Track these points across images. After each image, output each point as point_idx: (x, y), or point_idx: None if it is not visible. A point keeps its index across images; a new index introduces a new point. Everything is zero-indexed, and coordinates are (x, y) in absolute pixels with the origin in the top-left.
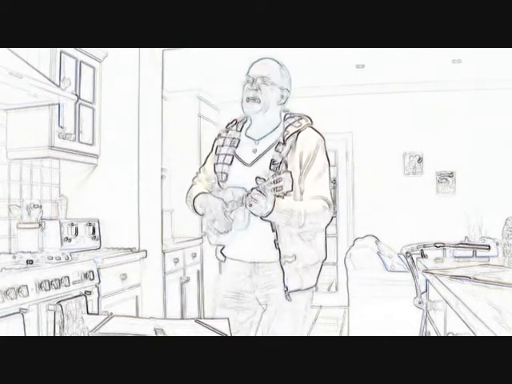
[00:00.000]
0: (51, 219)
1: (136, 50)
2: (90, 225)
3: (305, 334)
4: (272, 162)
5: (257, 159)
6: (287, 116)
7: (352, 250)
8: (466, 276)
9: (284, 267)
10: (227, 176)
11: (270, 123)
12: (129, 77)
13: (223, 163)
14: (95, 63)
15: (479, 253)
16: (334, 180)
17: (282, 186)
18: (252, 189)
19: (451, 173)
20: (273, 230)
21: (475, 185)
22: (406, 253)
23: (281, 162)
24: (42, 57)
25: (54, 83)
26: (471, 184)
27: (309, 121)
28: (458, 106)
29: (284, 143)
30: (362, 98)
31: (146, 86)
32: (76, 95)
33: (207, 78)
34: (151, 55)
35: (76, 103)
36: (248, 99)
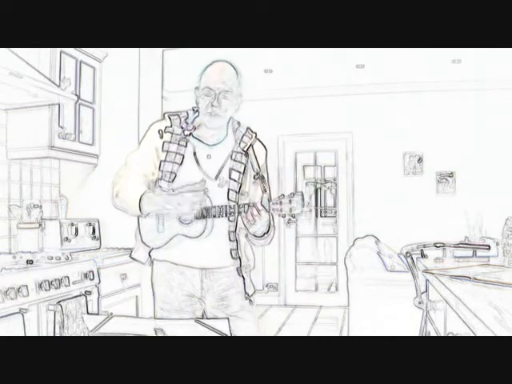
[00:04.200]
0: (51, 219)
1: (136, 50)
2: (90, 225)
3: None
4: (231, 170)
5: (219, 171)
6: (237, 125)
7: (352, 249)
8: (466, 276)
9: (245, 275)
10: (176, 176)
11: (222, 129)
12: (129, 77)
13: (173, 162)
14: (95, 63)
15: (479, 253)
16: (334, 179)
17: (294, 208)
18: (250, 204)
19: (451, 173)
20: (231, 240)
21: (475, 185)
22: (406, 253)
23: (243, 172)
24: (41, 57)
25: (54, 83)
26: (471, 184)
27: (254, 132)
28: (458, 106)
29: (245, 153)
30: (361, 98)
31: (146, 86)
32: (76, 95)
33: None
34: (151, 55)
35: (76, 103)
36: (211, 114)
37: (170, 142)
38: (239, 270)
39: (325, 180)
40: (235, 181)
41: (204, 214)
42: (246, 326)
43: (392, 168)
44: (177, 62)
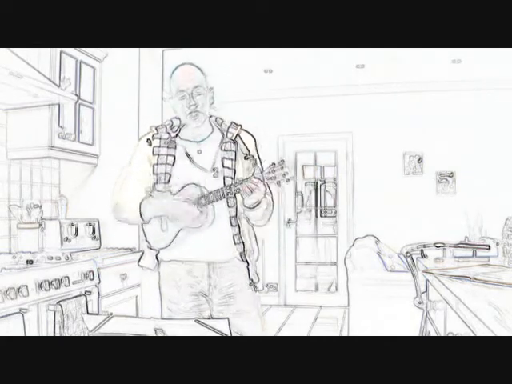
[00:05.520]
0: (51, 219)
1: (136, 50)
2: (90, 225)
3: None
4: (223, 159)
5: (213, 163)
6: (220, 121)
7: (352, 249)
8: (466, 276)
9: (248, 260)
10: (170, 177)
11: (205, 124)
12: (129, 77)
13: (166, 164)
14: (95, 63)
15: (479, 253)
16: (334, 179)
17: (287, 173)
18: (244, 179)
19: (451, 173)
20: (232, 225)
21: (475, 185)
22: (406, 253)
23: (235, 159)
24: (41, 57)
25: (54, 83)
26: (471, 184)
27: (239, 124)
28: (457, 106)
29: (234, 142)
30: (361, 98)
31: (146, 85)
32: (76, 95)
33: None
34: (151, 55)
35: (76, 103)
36: (191, 114)
37: (160, 147)
38: (243, 255)
39: (325, 180)
40: (229, 168)
41: (203, 202)
42: (252, 323)
43: (392, 168)
44: (177, 62)
